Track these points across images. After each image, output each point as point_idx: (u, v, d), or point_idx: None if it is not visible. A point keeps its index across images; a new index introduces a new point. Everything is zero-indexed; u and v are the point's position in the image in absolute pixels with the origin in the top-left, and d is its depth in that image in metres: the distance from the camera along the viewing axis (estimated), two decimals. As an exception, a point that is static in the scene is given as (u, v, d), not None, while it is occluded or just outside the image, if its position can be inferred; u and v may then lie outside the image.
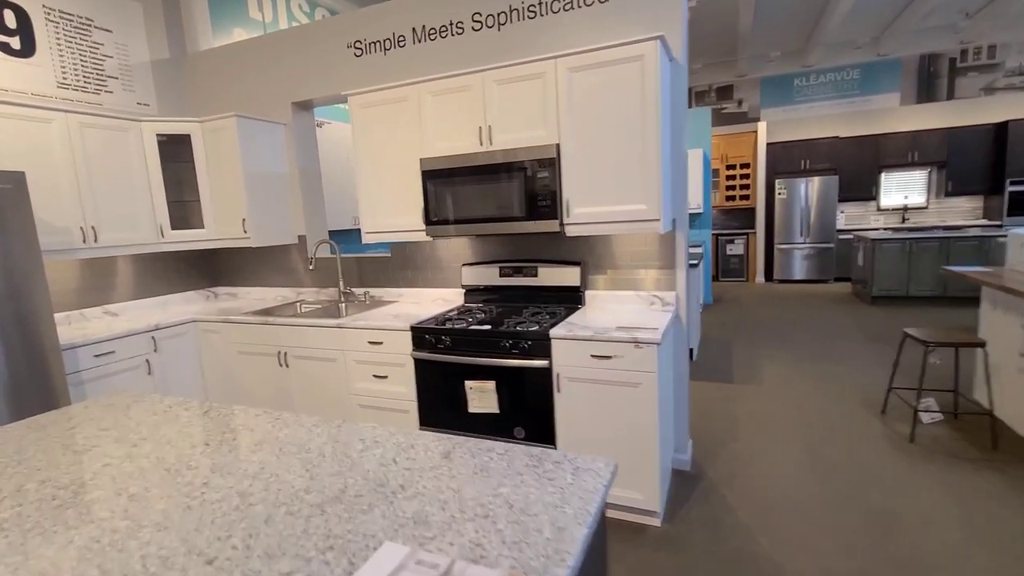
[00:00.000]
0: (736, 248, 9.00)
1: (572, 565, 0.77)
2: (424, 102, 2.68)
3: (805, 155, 8.51)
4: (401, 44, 3.09)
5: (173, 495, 1.04)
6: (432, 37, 3.00)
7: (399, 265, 3.37)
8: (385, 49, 3.14)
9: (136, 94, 3.56)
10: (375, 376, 2.78)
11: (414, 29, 3.04)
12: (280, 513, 0.96)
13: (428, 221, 2.74)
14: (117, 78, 3.45)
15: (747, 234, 8.93)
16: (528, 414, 2.40)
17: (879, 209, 8.51)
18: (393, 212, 2.89)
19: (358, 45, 3.22)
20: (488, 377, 2.45)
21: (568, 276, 2.81)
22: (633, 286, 2.75)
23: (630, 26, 2.53)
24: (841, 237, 8.32)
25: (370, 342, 2.75)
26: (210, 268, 4.02)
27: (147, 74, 3.62)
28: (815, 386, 3.95)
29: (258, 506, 0.99)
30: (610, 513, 2.38)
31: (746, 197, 9.05)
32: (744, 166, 9.00)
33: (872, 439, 3.05)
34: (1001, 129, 7.49)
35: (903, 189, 8.36)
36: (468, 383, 2.49)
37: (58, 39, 3.13)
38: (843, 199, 8.42)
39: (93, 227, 2.96)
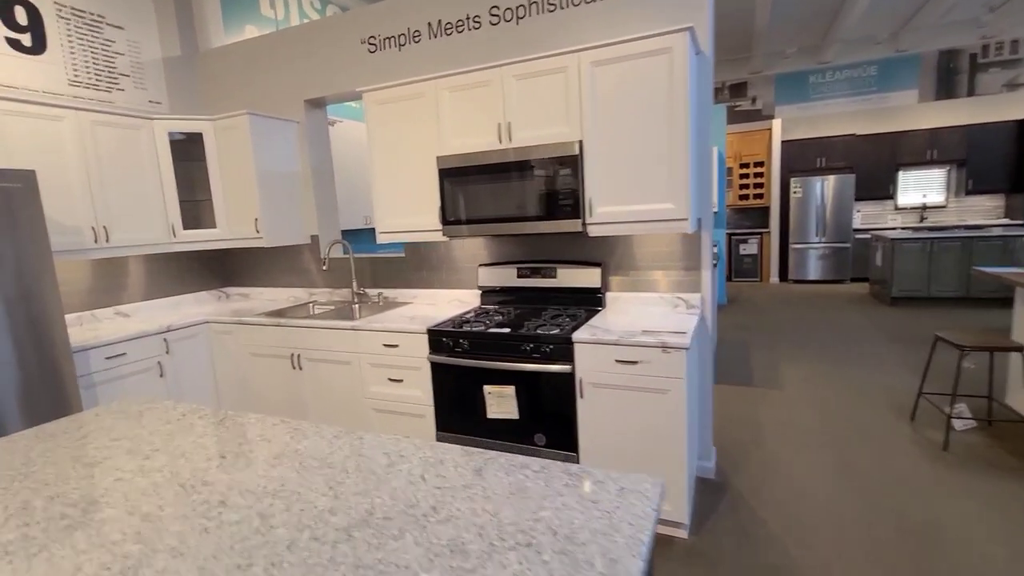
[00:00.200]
0: (750, 248, 8.86)
1: (632, 606, 0.70)
2: (441, 98, 2.61)
3: (821, 153, 8.35)
4: (416, 39, 3.02)
5: (189, 515, 0.97)
6: (448, 32, 2.93)
7: (414, 265, 3.30)
8: (400, 45, 3.07)
9: (148, 92, 3.51)
10: (390, 379, 2.71)
11: (430, 24, 2.97)
12: (304, 538, 0.88)
13: (445, 221, 2.66)
14: (129, 76, 3.40)
15: (761, 233, 8.79)
16: (549, 420, 2.32)
17: (896, 208, 8.34)
18: (408, 211, 2.82)
19: (372, 41, 3.15)
20: (507, 382, 2.37)
21: (588, 277, 2.72)
22: (655, 288, 2.66)
23: (655, 17, 2.44)
24: (858, 237, 8.15)
25: (385, 345, 2.68)
26: (222, 268, 3.97)
27: (159, 72, 3.57)
28: (839, 390, 3.84)
29: (280, 529, 0.91)
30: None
31: (760, 196, 8.91)
32: (758, 164, 8.85)
33: (903, 446, 2.94)
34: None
35: (921, 188, 8.19)
36: (486, 388, 2.42)
37: (69, 36, 3.09)
38: (860, 198, 8.26)
39: (104, 227, 2.91)
